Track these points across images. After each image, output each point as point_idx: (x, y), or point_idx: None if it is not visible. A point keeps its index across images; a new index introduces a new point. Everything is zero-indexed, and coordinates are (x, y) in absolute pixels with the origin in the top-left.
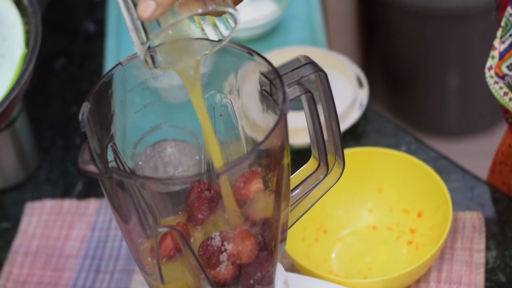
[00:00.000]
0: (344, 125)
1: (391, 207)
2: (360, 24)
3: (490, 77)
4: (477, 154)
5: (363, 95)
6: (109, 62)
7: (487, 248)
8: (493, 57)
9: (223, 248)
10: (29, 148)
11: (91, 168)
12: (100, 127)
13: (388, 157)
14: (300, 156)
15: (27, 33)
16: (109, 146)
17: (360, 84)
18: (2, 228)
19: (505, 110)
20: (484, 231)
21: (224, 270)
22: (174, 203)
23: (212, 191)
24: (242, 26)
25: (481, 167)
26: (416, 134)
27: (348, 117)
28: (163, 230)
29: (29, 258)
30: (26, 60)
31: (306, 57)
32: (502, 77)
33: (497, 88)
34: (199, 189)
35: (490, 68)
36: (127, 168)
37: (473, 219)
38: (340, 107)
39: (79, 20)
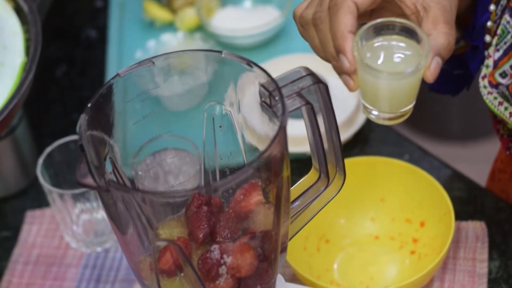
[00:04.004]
0: (351, 130)
1: (393, 216)
2: None
3: (483, 87)
4: (480, 159)
5: None
6: (111, 69)
7: (490, 258)
8: (487, 66)
9: (222, 261)
10: (29, 156)
11: (89, 181)
12: (98, 139)
13: (391, 167)
14: (301, 164)
15: (27, 41)
16: (107, 158)
17: None
18: (2, 237)
19: (497, 121)
20: (487, 241)
21: (223, 283)
22: (173, 214)
23: (212, 204)
24: (244, 33)
25: (484, 172)
26: (419, 139)
27: (354, 122)
28: (162, 243)
29: (29, 267)
30: (26, 69)
31: (306, 69)
32: (496, 85)
33: (491, 99)
34: (199, 201)
35: (484, 77)
36: (126, 180)
37: (476, 229)
38: (344, 113)
39: (80, 27)
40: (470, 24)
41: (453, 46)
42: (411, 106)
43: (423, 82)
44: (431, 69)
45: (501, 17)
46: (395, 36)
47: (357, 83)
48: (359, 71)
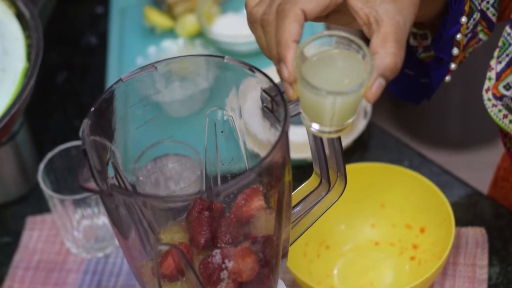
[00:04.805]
0: (351, 137)
1: (393, 222)
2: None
3: (487, 99)
4: (479, 166)
5: (366, 102)
6: (111, 75)
7: (490, 264)
8: (490, 79)
9: (223, 266)
10: (30, 161)
11: (91, 185)
12: (100, 143)
13: (391, 173)
14: (302, 170)
15: (29, 47)
16: (109, 163)
17: None
18: (3, 243)
19: (504, 134)
20: (487, 246)
21: (225, 287)
22: (174, 219)
23: (213, 209)
24: (244, 40)
25: (484, 178)
26: (418, 146)
27: (354, 129)
28: (163, 248)
29: (29, 273)
30: (28, 75)
31: None
32: (500, 98)
33: (495, 111)
34: (201, 206)
35: (487, 90)
36: (127, 185)
37: (476, 235)
38: None
39: (81, 33)
40: (438, 33)
41: (399, 67)
42: (351, 120)
43: (387, 87)
44: (373, 90)
45: (472, 31)
46: (340, 50)
47: (297, 92)
48: (299, 84)
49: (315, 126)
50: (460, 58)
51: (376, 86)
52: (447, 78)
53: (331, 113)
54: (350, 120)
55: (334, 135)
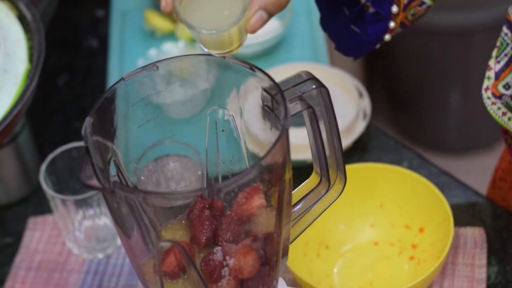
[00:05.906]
0: (351, 138)
1: (393, 222)
2: None
3: (487, 98)
4: (478, 170)
5: (365, 104)
6: (112, 78)
7: (489, 263)
8: (489, 78)
9: (224, 263)
10: (32, 163)
11: (94, 182)
12: (102, 142)
13: (390, 173)
14: (301, 172)
15: (31, 49)
16: (111, 161)
17: (361, 95)
18: (5, 243)
19: (505, 131)
20: (485, 246)
21: (225, 284)
22: (175, 217)
23: (214, 207)
24: (244, 43)
25: (482, 183)
26: (418, 150)
27: (353, 130)
28: (165, 244)
29: (31, 273)
30: (30, 76)
31: (308, 73)
32: (499, 97)
33: (495, 109)
34: (202, 205)
35: (486, 89)
36: (129, 183)
37: (475, 235)
38: (345, 121)
39: (82, 36)
40: None
41: (283, 2)
42: (237, 45)
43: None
44: (251, 22)
45: None
46: None
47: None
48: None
49: (204, 48)
50: (401, 18)
51: (255, 18)
52: (387, 37)
53: (213, 43)
54: (234, 47)
55: (224, 55)
